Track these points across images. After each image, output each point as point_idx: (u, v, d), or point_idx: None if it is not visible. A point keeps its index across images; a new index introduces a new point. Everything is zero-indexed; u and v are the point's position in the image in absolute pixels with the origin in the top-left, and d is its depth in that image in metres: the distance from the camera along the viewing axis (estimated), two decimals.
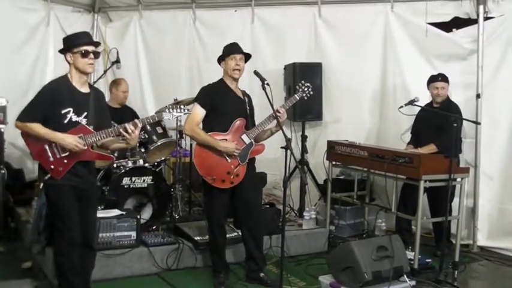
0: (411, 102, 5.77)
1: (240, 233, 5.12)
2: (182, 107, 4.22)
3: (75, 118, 3.91)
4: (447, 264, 5.23)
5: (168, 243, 5.34)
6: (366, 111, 7.03)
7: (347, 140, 6.15)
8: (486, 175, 6.31)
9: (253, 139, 4.84)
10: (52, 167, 3.88)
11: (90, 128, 3.96)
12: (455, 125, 5.14)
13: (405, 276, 4.66)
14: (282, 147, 4.32)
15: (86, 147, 3.91)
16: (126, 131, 3.94)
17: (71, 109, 3.89)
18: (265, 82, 4.54)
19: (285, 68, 7.10)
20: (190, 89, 7.22)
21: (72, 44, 3.94)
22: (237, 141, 4.77)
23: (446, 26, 6.52)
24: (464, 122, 5.75)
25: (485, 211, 6.32)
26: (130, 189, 5.71)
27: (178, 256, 5.27)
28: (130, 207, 5.66)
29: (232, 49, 4.83)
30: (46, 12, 7.27)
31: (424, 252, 5.38)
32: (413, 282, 4.72)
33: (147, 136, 6.05)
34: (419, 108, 5.91)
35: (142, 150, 6.05)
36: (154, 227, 5.74)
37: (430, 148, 5.72)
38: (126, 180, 5.68)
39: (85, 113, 3.96)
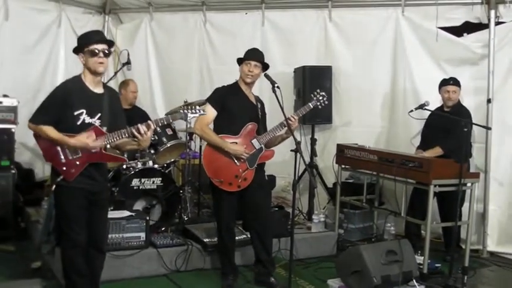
0: (421, 107, 5.76)
1: (249, 236, 5.13)
2: (198, 107, 4.11)
3: (88, 120, 3.87)
4: (456, 269, 5.20)
5: (177, 245, 5.34)
6: (375, 114, 7.01)
7: (356, 144, 6.16)
8: (496, 180, 6.29)
9: (264, 144, 4.84)
10: (64, 168, 3.86)
11: (104, 129, 3.93)
12: (465, 129, 5.13)
13: (414, 280, 4.65)
14: (291, 150, 4.33)
15: (96, 152, 3.90)
16: (139, 132, 3.88)
17: (84, 110, 3.86)
18: (276, 85, 4.54)
19: (294, 71, 7.11)
20: (200, 91, 7.24)
21: (82, 43, 3.91)
22: (247, 145, 4.77)
23: (457, 31, 6.50)
24: (474, 126, 5.74)
25: (495, 216, 6.29)
26: (140, 191, 5.72)
27: (187, 258, 5.27)
28: (140, 208, 5.67)
29: (248, 55, 4.84)
30: (57, 14, 7.32)
31: (433, 257, 5.37)
32: (422, 287, 4.71)
33: (156, 138, 6.06)
34: (429, 112, 5.89)
35: (152, 151, 6.06)
36: (163, 229, 5.74)
37: (436, 151, 5.72)
38: (135, 182, 5.69)
39: (98, 114, 3.92)
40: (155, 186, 5.79)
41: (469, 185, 5.35)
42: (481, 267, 5.84)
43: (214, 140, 4.74)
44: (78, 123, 3.86)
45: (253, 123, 4.82)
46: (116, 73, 7.06)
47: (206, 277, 5.19)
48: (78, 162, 3.88)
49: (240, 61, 4.87)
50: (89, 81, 3.94)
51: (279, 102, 4.45)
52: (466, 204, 5.61)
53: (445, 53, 6.52)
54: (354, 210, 6.45)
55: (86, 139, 3.81)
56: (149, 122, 3.96)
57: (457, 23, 6.48)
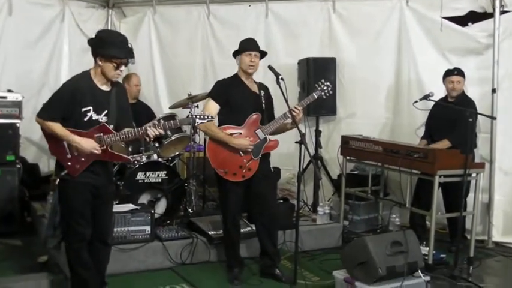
0: (426, 97, 5.74)
1: (254, 228, 5.13)
2: (207, 114, 4.08)
3: (95, 117, 3.88)
4: (462, 259, 5.21)
5: (182, 238, 5.36)
6: (380, 106, 6.99)
7: (361, 135, 6.15)
8: (502, 170, 6.27)
9: (268, 134, 4.83)
10: (69, 163, 3.88)
11: (110, 127, 3.93)
12: (470, 119, 5.11)
13: (420, 271, 4.64)
14: (296, 142, 4.32)
15: (102, 151, 3.90)
16: (147, 135, 3.88)
17: (91, 107, 3.86)
18: (280, 77, 4.54)
19: (298, 63, 7.08)
20: (204, 84, 7.23)
21: (108, 53, 3.82)
22: (251, 135, 4.77)
23: (462, 20, 6.45)
24: (479, 116, 5.72)
25: (500, 207, 6.27)
26: (145, 184, 5.73)
27: (192, 250, 5.28)
28: (145, 201, 5.69)
29: (248, 45, 4.83)
30: (61, 8, 7.32)
31: (438, 248, 5.37)
32: (427, 278, 4.69)
33: None
34: (434, 103, 5.88)
35: (157, 145, 6.07)
36: (168, 222, 5.76)
37: (444, 144, 5.70)
38: (140, 175, 5.70)
39: (105, 111, 3.92)
40: (160, 180, 5.79)
41: (474, 175, 5.34)
42: (487, 258, 5.83)
43: (218, 136, 4.74)
44: (85, 119, 3.87)
45: (257, 113, 4.82)
46: None
47: (212, 270, 5.20)
48: (83, 159, 3.89)
49: (237, 52, 4.86)
50: (98, 79, 3.92)
51: (283, 94, 4.45)
52: (471, 195, 5.57)
53: (449, 43, 6.48)
54: (358, 202, 6.45)
55: (89, 147, 3.83)
56: (156, 122, 3.94)
57: (462, 12, 6.44)
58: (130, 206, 5.28)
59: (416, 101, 5.78)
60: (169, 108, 6.64)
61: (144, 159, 5.86)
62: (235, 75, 4.93)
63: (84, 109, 3.85)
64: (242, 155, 4.73)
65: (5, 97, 5.98)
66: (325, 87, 4.93)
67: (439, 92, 5.97)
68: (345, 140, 6.18)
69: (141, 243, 5.12)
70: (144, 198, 5.72)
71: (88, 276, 4.05)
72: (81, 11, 7.61)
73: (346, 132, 6.52)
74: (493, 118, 5.93)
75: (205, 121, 4.04)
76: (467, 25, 6.47)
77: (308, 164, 6.52)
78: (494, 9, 6.18)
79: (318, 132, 6.93)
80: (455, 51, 6.48)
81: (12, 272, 4.87)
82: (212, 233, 5.41)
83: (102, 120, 3.92)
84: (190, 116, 4.01)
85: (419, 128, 6.42)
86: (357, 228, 6.38)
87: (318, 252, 5.82)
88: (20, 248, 5.65)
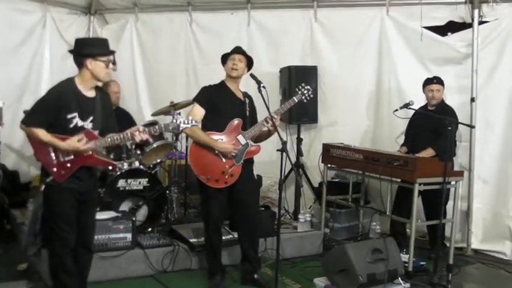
0: (406, 106, 5.80)
1: (236, 235, 5.14)
2: (190, 119, 4.06)
3: (80, 123, 3.88)
4: (441, 267, 5.25)
5: (164, 245, 5.34)
6: (361, 114, 7.04)
7: (342, 143, 6.18)
8: (480, 178, 6.34)
9: (249, 140, 4.85)
10: (55, 169, 3.87)
11: (96, 132, 3.94)
12: (449, 128, 5.17)
13: (399, 278, 4.68)
14: (277, 150, 4.34)
15: (87, 156, 3.91)
16: (133, 139, 3.94)
17: (77, 114, 3.86)
18: (261, 85, 4.55)
19: (280, 71, 7.12)
20: (186, 92, 7.24)
21: (96, 51, 3.89)
22: (233, 141, 4.79)
23: (441, 30, 6.54)
24: (460, 125, 5.79)
25: (479, 214, 6.35)
26: (126, 192, 5.70)
27: (173, 258, 5.27)
28: (126, 209, 5.66)
29: (232, 50, 4.91)
30: (42, 14, 7.27)
31: (418, 255, 5.42)
32: (407, 285, 4.75)
33: None
34: (414, 111, 5.94)
35: (138, 152, 6.06)
36: (149, 229, 5.74)
37: (428, 152, 5.75)
38: (121, 183, 5.67)
39: (91, 118, 3.93)
40: (141, 187, 5.77)
41: (453, 183, 5.40)
42: (466, 265, 5.89)
43: (203, 139, 4.75)
44: (71, 126, 3.86)
45: (238, 119, 4.83)
46: None
47: (193, 277, 5.19)
48: (69, 165, 3.89)
49: (223, 60, 4.90)
50: (83, 86, 3.93)
51: (264, 102, 4.46)
52: (450, 203, 5.65)
53: (429, 52, 6.56)
54: (339, 209, 6.46)
55: (76, 143, 3.82)
56: (141, 128, 3.95)
57: (441, 22, 6.52)
58: (112, 214, 5.26)
59: (397, 110, 5.84)
60: (152, 115, 6.62)
61: (126, 166, 5.84)
62: (222, 82, 4.97)
63: (69, 116, 3.85)
64: (224, 160, 4.74)
65: None
66: (305, 91, 4.95)
67: (419, 100, 6.03)
68: (326, 148, 6.22)
69: (122, 250, 5.09)
70: (125, 206, 5.69)
71: (70, 283, 4.02)
72: (63, 18, 7.56)
73: (328, 140, 6.55)
74: (471, 127, 6.01)
75: (189, 126, 4.04)
76: (446, 35, 6.57)
77: (289, 172, 6.56)
78: (473, 20, 6.27)
79: (299, 140, 6.96)
80: (435, 61, 6.55)
81: None
82: (193, 240, 5.40)
83: (88, 127, 3.93)
84: (174, 121, 4.01)
85: (400, 136, 6.47)
86: (338, 236, 6.39)
87: (299, 259, 5.83)
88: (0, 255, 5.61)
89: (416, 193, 5.15)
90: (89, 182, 4.07)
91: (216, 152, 4.72)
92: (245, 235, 4.97)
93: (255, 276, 4.95)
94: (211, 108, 4.82)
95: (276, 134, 4.59)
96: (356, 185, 6.40)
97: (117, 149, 5.88)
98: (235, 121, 4.82)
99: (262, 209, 6.10)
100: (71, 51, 3.97)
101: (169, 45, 7.74)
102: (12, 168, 6.86)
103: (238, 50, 4.92)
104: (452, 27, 6.52)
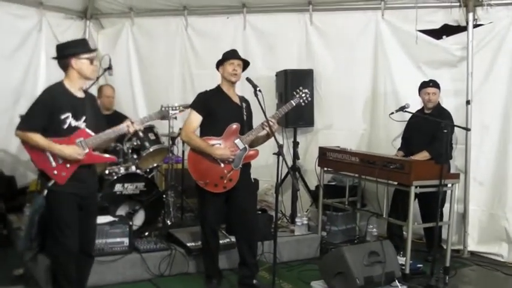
0: (402, 109, 5.82)
1: (233, 239, 5.14)
2: (176, 105, 4.27)
3: (74, 123, 3.92)
4: (438, 269, 5.26)
5: (161, 250, 5.34)
6: (357, 117, 7.06)
7: (338, 146, 6.18)
8: (476, 181, 6.36)
9: (247, 144, 4.85)
10: (55, 172, 3.88)
11: (90, 131, 3.98)
12: (445, 131, 5.19)
13: (397, 281, 4.69)
14: (274, 154, 4.35)
15: (85, 155, 3.92)
16: (128, 131, 4.07)
17: (70, 114, 3.90)
18: (258, 89, 4.55)
19: (276, 75, 7.13)
20: (182, 96, 7.25)
21: (79, 50, 3.96)
22: (230, 145, 4.78)
23: (436, 33, 6.57)
24: (456, 128, 5.80)
25: (475, 216, 6.36)
26: (123, 196, 5.70)
27: (170, 262, 5.27)
28: (123, 213, 5.65)
29: (231, 55, 4.88)
30: (38, 19, 7.28)
31: (415, 258, 5.43)
32: (404, 287, 4.75)
33: (139, 142, 6.07)
34: (410, 114, 5.95)
35: (135, 156, 6.06)
36: (146, 233, 5.74)
37: (423, 155, 5.76)
38: (118, 187, 5.68)
39: (83, 117, 3.97)
40: (138, 191, 5.77)
41: (449, 185, 5.41)
42: (462, 267, 5.90)
43: (200, 146, 4.74)
44: (65, 127, 3.89)
45: (236, 123, 4.83)
46: (97, 78, 7.03)
47: (190, 281, 5.19)
48: (68, 165, 3.91)
49: (220, 63, 4.89)
50: (73, 87, 3.99)
51: (261, 106, 4.46)
52: (446, 205, 5.68)
53: (424, 55, 6.59)
54: (336, 213, 6.48)
55: (72, 153, 3.86)
56: (134, 121, 4.10)
57: (436, 25, 6.54)
58: (109, 218, 5.25)
59: (393, 113, 5.86)
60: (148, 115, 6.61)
61: (122, 170, 5.84)
62: (218, 86, 4.95)
63: (63, 116, 3.88)
64: (223, 165, 4.74)
65: None
66: (303, 94, 4.97)
67: (415, 103, 6.05)
68: (323, 152, 6.23)
69: (119, 255, 5.08)
70: (122, 210, 5.69)
71: None
72: (59, 22, 7.57)
73: (324, 143, 6.56)
74: (467, 129, 6.02)
75: (177, 112, 4.18)
76: (441, 38, 6.59)
77: (286, 175, 6.57)
78: (467, 23, 6.30)
79: (295, 144, 6.95)
80: (430, 64, 6.58)
81: None
82: (190, 244, 5.40)
83: (82, 126, 3.96)
84: (163, 108, 4.21)
85: (396, 139, 6.48)
86: (335, 239, 6.40)
87: (296, 263, 5.83)
88: None
89: (412, 196, 5.16)
90: (91, 183, 4.11)
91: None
92: (243, 240, 4.97)
93: (254, 281, 4.94)
94: (208, 114, 4.81)
95: (272, 137, 4.60)
96: (352, 188, 6.41)
97: (114, 153, 5.88)
98: (233, 126, 4.82)
99: (259, 212, 6.10)
100: (54, 58, 4.04)
101: (165, 50, 7.75)
102: (9, 174, 6.85)
103: (236, 55, 4.90)
104: (447, 30, 6.54)
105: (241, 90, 5.23)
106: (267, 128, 4.69)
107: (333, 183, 6.74)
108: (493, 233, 6.27)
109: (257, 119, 4.95)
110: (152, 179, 6.29)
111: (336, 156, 6.02)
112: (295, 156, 6.92)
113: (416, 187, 5.15)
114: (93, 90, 7.09)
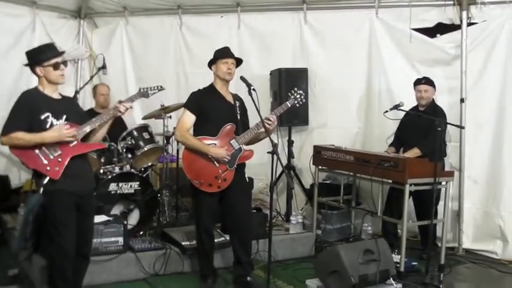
0: (396, 107, 5.83)
1: (228, 238, 5.14)
2: (156, 86, 4.45)
3: (55, 122, 3.92)
4: (433, 267, 5.28)
5: (155, 249, 5.34)
6: (351, 116, 7.07)
7: (333, 145, 6.19)
8: (470, 178, 6.38)
9: (243, 145, 4.84)
10: (48, 168, 3.86)
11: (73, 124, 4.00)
12: (439, 128, 5.20)
13: (391, 279, 4.70)
14: (268, 152, 4.34)
15: (75, 131, 3.92)
16: (119, 111, 4.12)
17: (49, 114, 3.91)
18: (252, 87, 4.54)
19: (271, 74, 7.13)
20: (176, 95, 7.22)
21: (41, 58, 3.96)
22: (225, 146, 4.78)
23: (430, 32, 6.58)
24: (448, 126, 5.82)
25: (470, 214, 6.38)
26: (117, 195, 5.70)
27: (165, 261, 5.26)
28: (117, 213, 5.65)
29: (224, 53, 4.87)
30: (32, 18, 7.23)
31: (410, 256, 5.44)
32: (399, 285, 4.76)
33: (134, 142, 6.06)
34: (404, 112, 5.96)
35: (129, 156, 6.05)
36: (141, 233, 5.74)
37: (414, 152, 5.78)
38: (113, 186, 5.67)
39: (64, 116, 3.98)
40: (133, 191, 5.77)
41: (444, 183, 5.42)
42: (457, 265, 5.92)
43: (195, 145, 4.74)
44: (47, 126, 3.89)
45: (231, 124, 4.82)
46: (91, 77, 7.04)
47: (185, 280, 5.19)
48: (60, 159, 3.90)
49: (212, 62, 4.88)
50: (48, 91, 4.02)
51: (255, 105, 4.45)
52: (441, 203, 5.70)
53: (418, 53, 6.60)
54: (331, 211, 6.49)
55: (58, 131, 3.86)
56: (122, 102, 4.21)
57: (430, 24, 6.56)
58: (103, 217, 5.24)
59: (387, 111, 5.87)
60: (142, 119, 6.62)
61: (117, 170, 5.84)
62: (211, 85, 4.94)
63: (43, 116, 3.89)
64: (217, 165, 4.74)
65: None
66: (298, 96, 4.98)
67: (409, 101, 6.06)
68: (317, 150, 6.23)
69: (114, 254, 5.08)
70: (116, 209, 5.68)
71: None
72: (53, 22, 7.54)
73: (318, 142, 6.56)
74: (461, 127, 6.04)
75: (156, 91, 4.34)
76: (435, 36, 6.61)
77: (281, 174, 6.57)
78: (461, 21, 6.32)
79: (290, 142, 6.96)
80: (424, 62, 6.59)
81: None
82: (185, 243, 5.40)
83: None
84: (141, 89, 4.40)
85: (390, 137, 6.48)
86: (330, 237, 6.41)
87: (291, 261, 5.84)
88: None
89: (407, 194, 5.17)
90: (87, 178, 4.11)
91: (210, 156, 4.71)
92: (237, 239, 4.96)
93: (248, 279, 4.95)
94: (201, 114, 4.80)
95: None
96: (347, 187, 6.42)
97: (108, 152, 5.87)
98: (228, 126, 4.81)
99: (254, 211, 6.10)
100: (25, 65, 4.05)
101: (160, 49, 7.73)
102: (3, 173, 6.83)
103: (229, 53, 4.89)
104: (441, 28, 6.56)
105: (235, 89, 5.22)
106: (267, 125, 4.66)
107: (328, 182, 6.76)
108: (488, 230, 6.29)
109: (252, 117, 4.95)
110: (147, 178, 6.30)
111: (330, 154, 6.03)
112: (290, 155, 6.92)
113: (410, 185, 5.16)
114: (88, 90, 7.14)
